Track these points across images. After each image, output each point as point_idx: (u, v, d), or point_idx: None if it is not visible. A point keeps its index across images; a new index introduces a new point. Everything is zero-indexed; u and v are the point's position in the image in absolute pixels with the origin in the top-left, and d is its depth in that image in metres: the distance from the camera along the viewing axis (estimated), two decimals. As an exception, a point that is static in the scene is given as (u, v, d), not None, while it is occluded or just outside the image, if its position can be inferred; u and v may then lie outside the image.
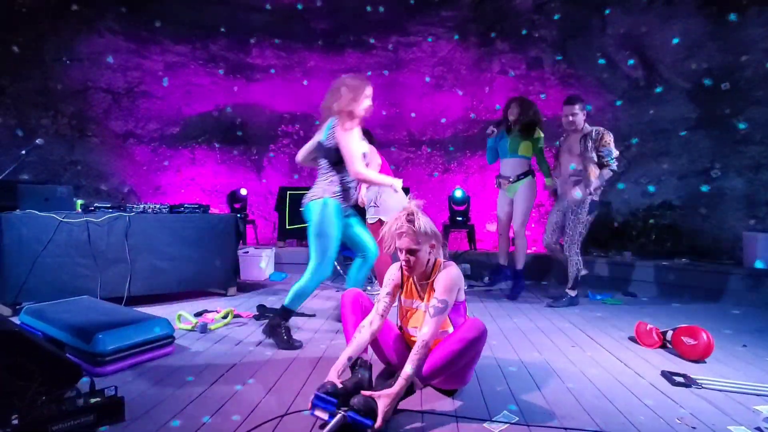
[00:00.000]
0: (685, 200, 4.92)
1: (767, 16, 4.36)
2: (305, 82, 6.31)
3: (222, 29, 6.09)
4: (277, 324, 2.40)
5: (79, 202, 3.41)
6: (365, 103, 2.43)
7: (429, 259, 1.78)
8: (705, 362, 2.27)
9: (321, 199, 2.35)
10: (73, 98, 5.73)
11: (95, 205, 3.28)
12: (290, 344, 2.37)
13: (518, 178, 3.72)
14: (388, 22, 6.18)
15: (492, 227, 6.19)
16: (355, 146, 2.34)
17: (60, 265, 2.95)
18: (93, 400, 1.47)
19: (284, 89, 6.46)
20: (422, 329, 1.68)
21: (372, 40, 6.32)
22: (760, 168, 4.48)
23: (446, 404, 1.74)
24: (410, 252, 1.73)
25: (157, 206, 3.43)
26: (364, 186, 3.28)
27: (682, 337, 2.34)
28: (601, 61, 5.41)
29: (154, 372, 2.02)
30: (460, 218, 5.45)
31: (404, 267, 1.78)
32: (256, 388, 1.85)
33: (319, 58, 6.38)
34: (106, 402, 1.49)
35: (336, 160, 2.38)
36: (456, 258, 5.02)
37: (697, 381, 1.98)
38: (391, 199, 3.37)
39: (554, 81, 5.88)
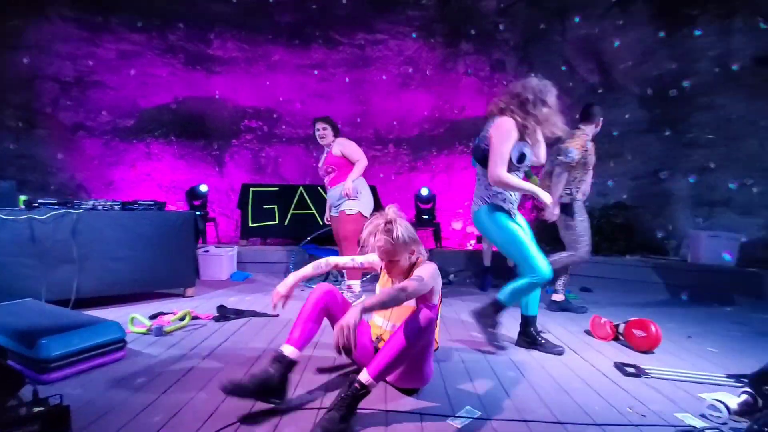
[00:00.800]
0: (637, 200, 5.19)
1: (713, 27, 4.66)
2: (268, 83, 6.16)
3: (181, 18, 5.83)
4: (488, 314, 2.38)
5: (23, 197, 3.16)
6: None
7: (409, 262, 1.82)
8: (654, 353, 2.40)
9: (479, 208, 2.29)
10: (20, 88, 5.32)
11: (39, 201, 3.05)
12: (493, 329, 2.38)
13: None
14: (355, 19, 6.13)
15: (458, 225, 6.30)
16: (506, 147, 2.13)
17: (1, 265, 2.72)
18: (36, 410, 1.35)
19: (247, 83, 6.27)
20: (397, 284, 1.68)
21: (338, 36, 6.25)
22: (704, 170, 4.79)
23: (410, 402, 1.74)
24: (390, 261, 1.77)
25: (108, 203, 3.23)
26: (350, 178, 3.34)
27: (633, 330, 2.47)
28: (563, 68, 5.61)
29: (104, 378, 1.90)
30: (426, 216, 5.50)
31: (385, 269, 1.84)
32: (214, 393, 1.77)
33: (284, 52, 6.24)
34: (51, 411, 1.38)
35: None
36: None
37: (647, 371, 2.09)
38: (365, 196, 3.45)
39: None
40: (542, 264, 2.20)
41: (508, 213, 2.28)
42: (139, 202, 3.37)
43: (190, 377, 1.94)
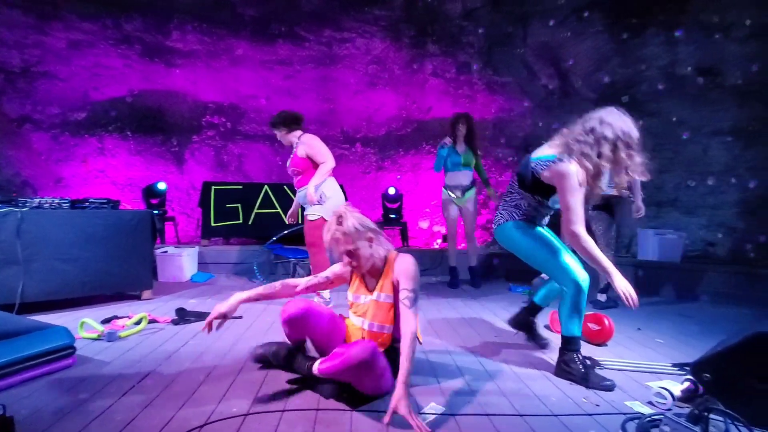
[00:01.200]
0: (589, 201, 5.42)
1: (661, 37, 4.96)
2: (231, 78, 5.98)
3: (138, 8, 5.55)
4: (570, 360, 2.02)
5: (-43, 195, 2.91)
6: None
7: (373, 254, 1.78)
8: (607, 345, 2.52)
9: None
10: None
11: (-23, 199, 2.82)
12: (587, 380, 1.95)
13: (468, 188, 4.18)
14: (321, 16, 6.06)
15: (424, 224, 6.37)
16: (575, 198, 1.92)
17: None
18: (-32, 426, 1.25)
19: (209, 77, 6.05)
20: (404, 325, 1.65)
21: (304, 33, 6.15)
22: (651, 173, 5.09)
23: (375, 401, 1.74)
24: (349, 254, 1.76)
25: (56, 200, 3.04)
26: (312, 184, 3.09)
27: (588, 324, 2.58)
28: (525, 72, 5.79)
29: (51, 387, 1.78)
30: (393, 215, 5.53)
31: (352, 267, 1.82)
32: (172, 399, 1.70)
33: (248, 46, 6.07)
34: (-15, 426, 1.28)
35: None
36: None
37: (601, 362, 2.19)
38: (332, 200, 3.18)
39: (481, 86, 6.17)
40: (578, 271, 2.02)
41: (534, 224, 2.16)
42: (91, 200, 3.19)
43: (145, 384, 1.85)
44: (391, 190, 5.57)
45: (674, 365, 2.19)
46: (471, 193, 4.20)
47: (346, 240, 1.73)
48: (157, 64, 5.84)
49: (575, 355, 2.00)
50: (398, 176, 6.35)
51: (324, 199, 3.14)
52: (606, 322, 2.53)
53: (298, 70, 6.24)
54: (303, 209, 3.33)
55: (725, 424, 1.44)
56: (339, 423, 1.55)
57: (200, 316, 2.87)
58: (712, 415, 1.44)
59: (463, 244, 4.51)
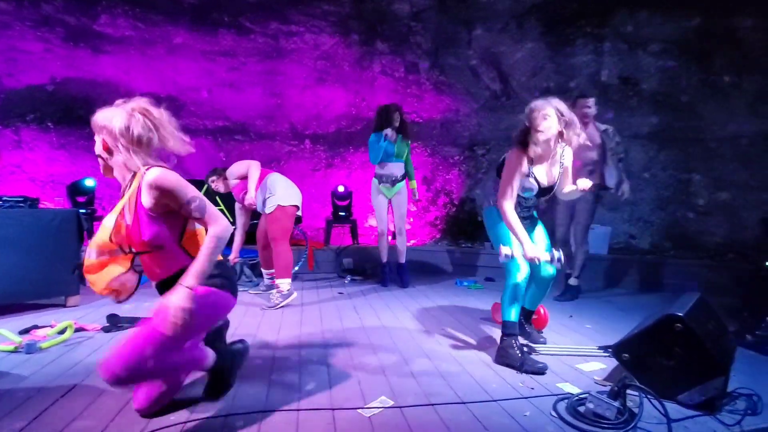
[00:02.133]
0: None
1: (589, 48, 5.35)
2: (169, 68, 5.63)
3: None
4: (508, 345, 2.15)
5: None
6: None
7: (126, 163, 1.56)
8: (542, 332, 2.70)
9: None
10: None
11: None
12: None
13: (399, 180, 4.08)
14: (267, 7, 5.87)
15: (374, 222, 6.41)
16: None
17: None
18: None
19: (143, 66, 5.66)
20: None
21: (249, 24, 5.94)
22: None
23: (323, 398, 1.74)
24: (105, 149, 1.58)
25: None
26: (249, 192, 3.35)
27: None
28: (469, 75, 6.00)
29: (-46, 408, 1.59)
30: (342, 213, 5.51)
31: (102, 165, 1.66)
32: (99, 413, 1.59)
33: (188, 35, 5.75)
34: None
35: None
36: (339, 253, 5.07)
37: (536, 348, 2.34)
38: (278, 189, 3.42)
39: (429, 86, 6.31)
40: (521, 265, 2.17)
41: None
42: (4, 199, 2.88)
43: (69, 398, 1.71)
44: (341, 188, 5.55)
45: (600, 348, 2.39)
46: (401, 185, 4.09)
47: (109, 134, 1.54)
48: (83, 49, 5.36)
49: (513, 341, 2.14)
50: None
51: (273, 191, 3.39)
52: (542, 311, 2.70)
53: (243, 62, 6.01)
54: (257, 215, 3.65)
55: (640, 397, 1.60)
56: (285, 426, 1.53)
57: (135, 321, 2.70)
58: (629, 391, 1.60)
59: (392, 239, 4.32)
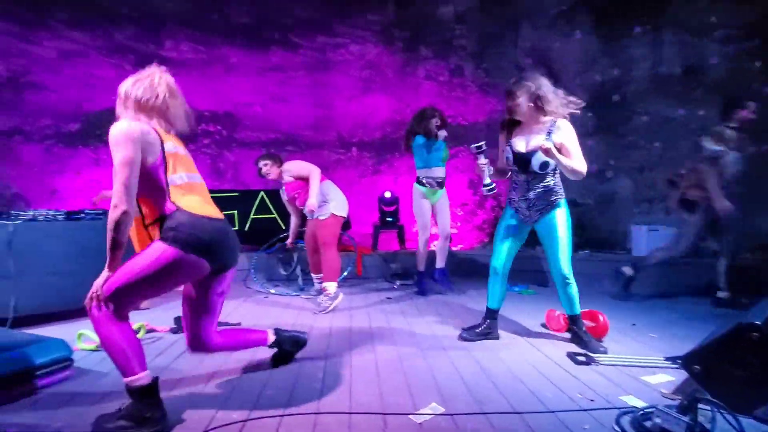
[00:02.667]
0: (585, 198, 5.50)
1: (647, 38, 5.05)
2: (225, 86, 6.00)
3: (129, 17, 5.57)
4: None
5: (-51, 209, 2.91)
6: None
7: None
8: (602, 341, 2.56)
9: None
10: (-59, 88, 4.87)
11: (-30, 212, 2.82)
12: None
13: (443, 183, 4.05)
14: (314, 22, 6.11)
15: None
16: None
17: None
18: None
19: (203, 86, 6.07)
20: None
21: (297, 39, 6.20)
22: (643, 170, 5.18)
23: (374, 402, 1.76)
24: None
25: (51, 213, 3.04)
26: (311, 196, 3.39)
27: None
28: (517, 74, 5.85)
29: (49, 400, 1.79)
30: (390, 219, 5.56)
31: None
32: (171, 407, 1.71)
33: (242, 54, 6.10)
34: (-14, 439, 1.29)
35: None
36: (387, 258, 5.12)
37: (596, 359, 2.23)
38: (333, 198, 3.54)
39: (474, 88, 6.24)
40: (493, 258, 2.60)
41: (510, 207, 2.62)
42: (86, 212, 3.19)
43: (145, 392, 1.86)
44: (387, 194, 5.60)
45: (667, 359, 2.22)
46: (444, 190, 4.06)
47: (119, 97, 1.72)
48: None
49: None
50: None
51: (327, 198, 3.49)
52: (601, 318, 2.56)
53: (292, 76, 6.27)
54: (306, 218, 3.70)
55: (712, 412, 1.47)
56: (338, 427, 1.57)
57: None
58: (700, 405, 1.48)
59: (433, 245, 4.24)
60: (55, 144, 5.57)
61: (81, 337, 2.46)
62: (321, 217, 3.48)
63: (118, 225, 1.52)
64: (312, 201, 3.38)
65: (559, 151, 2.32)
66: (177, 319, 2.91)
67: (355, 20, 6.17)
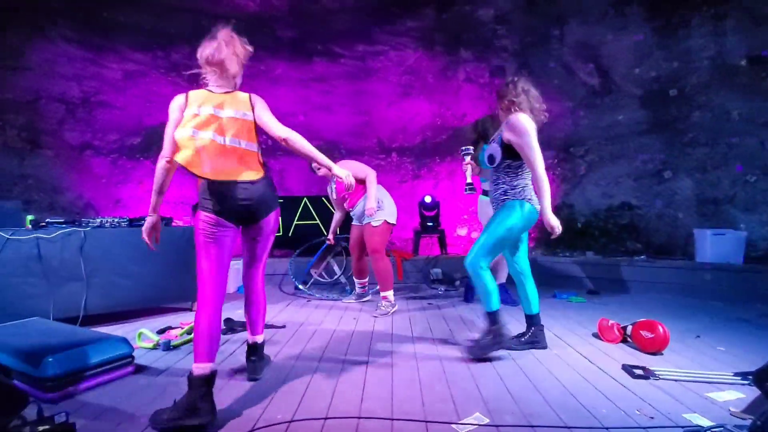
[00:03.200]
0: (641, 200, 5.17)
1: (707, 28, 4.68)
2: (270, 97, 6.24)
3: (184, 37, 5.95)
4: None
5: (29, 217, 3.22)
6: None
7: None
8: (662, 354, 2.38)
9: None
10: (24, 109, 5.43)
11: (47, 220, 3.11)
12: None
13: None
14: (355, 31, 6.23)
15: (463, 231, 6.29)
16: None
17: (7, 285, 2.76)
18: (41, 428, 1.38)
19: (250, 98, 6.37)
20: None
21: (339, 49, 6.34)
22: (706, 169, 4.77)
23: (416, 408, 1.74)
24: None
25: (116, 220, 3.29)
26: (371, 198, 3.38)
27: (641, 331, 2.45)
28: (563, 72, 5.64)
29: (112, 394, 1.92)
30: (430, 223, 5.51)
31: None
32: (220, 405, 1.79)
33: (286, 66, 6.34)
34: (56, 429, 1.40)
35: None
36: (428, 263, 5.07)
37: (655, 372, 2.07)
38: (386, 203, 3.52)
39: (516, 88, 6.07)
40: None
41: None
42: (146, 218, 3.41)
43: (196, 390, 1.95)
44: (428, 199, 5.57)
45: (736, 374, 2.02)
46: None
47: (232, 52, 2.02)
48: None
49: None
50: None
51: (381, 205, 3.46)
52: (660, 329, 2.38)
53: (334, 85, 6.43)
54: (351, 221, 3.70)
55: (796, 439, 1.32)
56: (381, 425, 1.56)
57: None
58: (779, 429, 1.33)
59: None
60: (120, 157, 6.04)
61: (141, 336, 2.63)
62: (374, 224, 3.42)
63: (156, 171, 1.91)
64: (372, 205, 3.36)
65: (510, 147, 2.38)
66: (226, 321, 3.04)
67: (395, 27, 6.23)
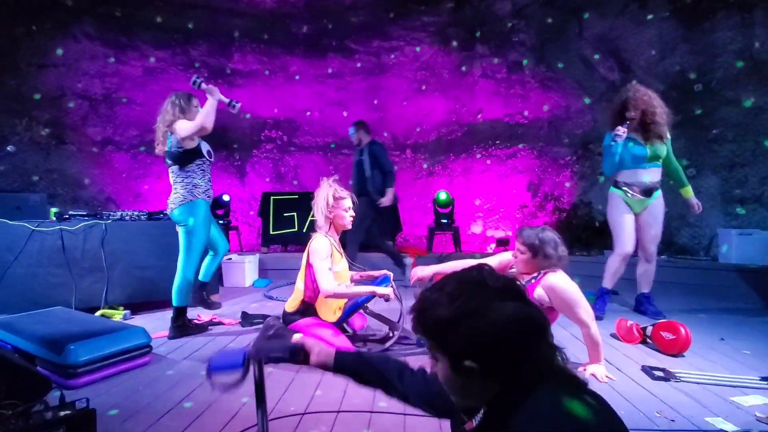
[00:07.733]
0: (664, 199, 5.01)
1: (734, 20, 4.51)
2: (287, 94, 6.28)
3: (203, 34, 6.04)
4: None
5: (53, 210, 3.32)
6: None
7: None
8: (684, 356, 2.31)
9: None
10: (49, 105, 5.59)
11: (70, 213, 3.20)
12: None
13: (654, 189, 3.17)
14: (370, 27, 6.21)
15: (477, 229, 6.23)
16: None
17: (32, 275, 2.86)
18: (62, 413, 1.41)
19: (267, 94, 6.41)
20: None
21: (354, 45, 6.33)
22: (733, 166, 4.60)
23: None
24: None
25: (136, 213, 3.36)
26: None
27: (662, 332, 2.38)
28: (582, 66, 5.52)
29: (130, 383, 1.97)
30: (444, 221, 5.48)
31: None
32: (235, 395, 1.81)
33: (302, 62, 6.37)
34: (77, 415, 1.43)
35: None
36: (442, 260, 5.04)
37: (676, 374, 2.01)
38: None
39: (534, 84, 5.97)
40: None
41: None
42: (165, 213, 3.48)
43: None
44: (443, 196, 5.53)
45: (762, 379, 1.95)
46: (656, 198, 3.18)
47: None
48: (221, 85, 6.27)
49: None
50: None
51: None
52: (682, 330, 2.31)
53: (349, 81, 6.43)
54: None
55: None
56: (393, 427, 1.56)
57: (263, 318, 3.03)
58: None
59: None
60: (140, 152, 6.17)
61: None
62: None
63: None
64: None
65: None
66: (244, 314, 3.08)
67: (410, 22, 6.19)
